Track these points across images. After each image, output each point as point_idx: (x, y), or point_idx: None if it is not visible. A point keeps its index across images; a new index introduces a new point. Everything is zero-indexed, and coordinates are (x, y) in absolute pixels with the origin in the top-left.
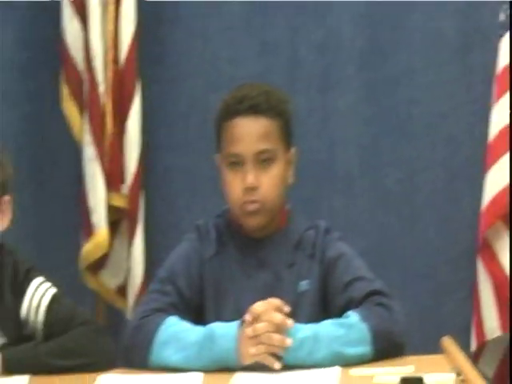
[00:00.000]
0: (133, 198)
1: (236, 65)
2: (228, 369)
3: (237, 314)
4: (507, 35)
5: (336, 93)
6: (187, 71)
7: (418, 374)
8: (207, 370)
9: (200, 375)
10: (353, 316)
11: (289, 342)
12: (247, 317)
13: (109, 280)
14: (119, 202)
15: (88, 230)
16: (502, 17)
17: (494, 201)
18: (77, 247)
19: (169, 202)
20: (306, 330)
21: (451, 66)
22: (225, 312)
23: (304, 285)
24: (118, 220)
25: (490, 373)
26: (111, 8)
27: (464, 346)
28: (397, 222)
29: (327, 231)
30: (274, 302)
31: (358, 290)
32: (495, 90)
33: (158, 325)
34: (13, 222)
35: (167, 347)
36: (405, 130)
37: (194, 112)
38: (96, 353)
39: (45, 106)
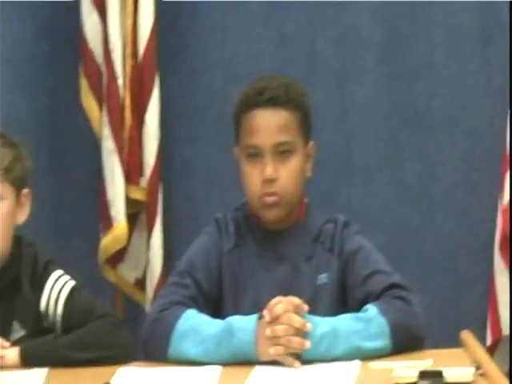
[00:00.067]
0: (151, 191)
1: (254, 58)
2: (246, 362)
3: (255, 307)
4: None
5: (355, 86)
6: (206, 64)
7: (437, 368)
8: (226, 363)
9: (218, 368)
10: (371, 310)
11: (308, 344)
12: (266, 316)
13: (128, 273)
14: (138, 194)
15: (107, 223)
16: None
17: None
18: (96, 240)
19: (187, 194)
20: (324, 325)
21: (471, 58)
22: (243, 305)
23: (322, 278)
24: (137, 213)
25: (505, 367)
26: (130, 2)
27: (482, 339)
28: (416, 216)
29: (346, 225)
30: (294, 301)
31: (377, 283)
32: None
33: (176, 318)
34: (32, 215)
35: (186, 340)
36: (424, 123)
37: (212, 105)
38: (115, 346)
39: (64, 100)
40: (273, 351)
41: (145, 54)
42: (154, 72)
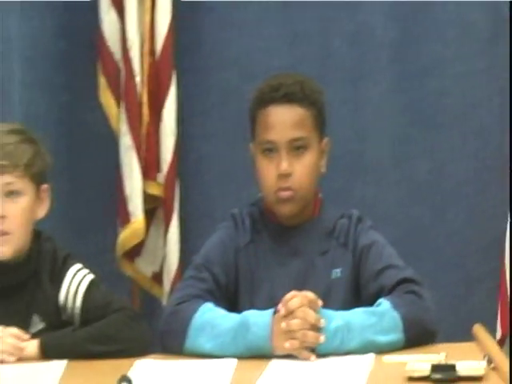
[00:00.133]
0: (168, 187)
1: (269, 56)
2: (261, 356)
3: (271, 301)
4: None
5: (368, 84)
6: (221, 62)
7: (449, 362)
8: (241, 356)
9: (234, 361)
10: (384, 304)
11: (322, 338)
12: (281, 310)
13: (145, 267)
14: (155, 190)
15: (124, 218)
16: None
17: None
18: (114, 235)
19: (203, 190)
20: (338, 319)
21: (481, 57)
22: (259, 299)
23: (337, 272)
24: (154, 208)
25: None
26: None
27: (493, 334)
28: (427, 212)
29: (360, 220)
30: (308, 296)
31: (390, 277)
32: None
33: (193, 311)
34: (51, 209)
35: (202, 334)
36: (435, 120)
37: (228, 102)
38: (132, 338)
39: (82, 97)
40: (288, 345)
41: (162, 51)
42: (171, 70)
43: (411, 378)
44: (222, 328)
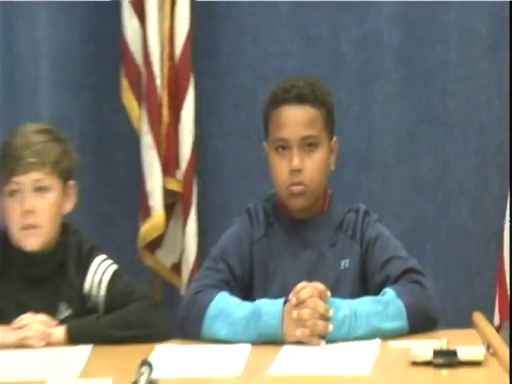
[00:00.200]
0: (187, 183)
1: (282, 59)
2: (274, 342)
3: (283, 290)
4: None
5: (375, 86)
6: (237, 66)
7: (451, 347)
8: (254, 343)
9: (248, 347)
10: (389, 293)
11: (331, 327)
12: (292, 300)
13: (165, 258)
14: (174, 186)
15: (146, 212)
16: None
17: None
18: (135, 228)
19: (220, 186)
20: (345, 308)
21: (483, 60)
22: (272, 289)
23: (345, 263)
24: (173, 203)
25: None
26: (167, 8)
27: (491, 321)
28: (431, 207)
29: (366, 214)
30: (318, 286)
31: (395, 268)
32: None
33: (209, 300)
34: (77, 204)
35: (217, 321)
36: (439, 120)
37: (243, 103)
38: (153, 325)
39: (106, 98)
40: (299, 333)
41: (181, 56)
42: (189, 73)
43: (415, 363)
44: (236, 316)
